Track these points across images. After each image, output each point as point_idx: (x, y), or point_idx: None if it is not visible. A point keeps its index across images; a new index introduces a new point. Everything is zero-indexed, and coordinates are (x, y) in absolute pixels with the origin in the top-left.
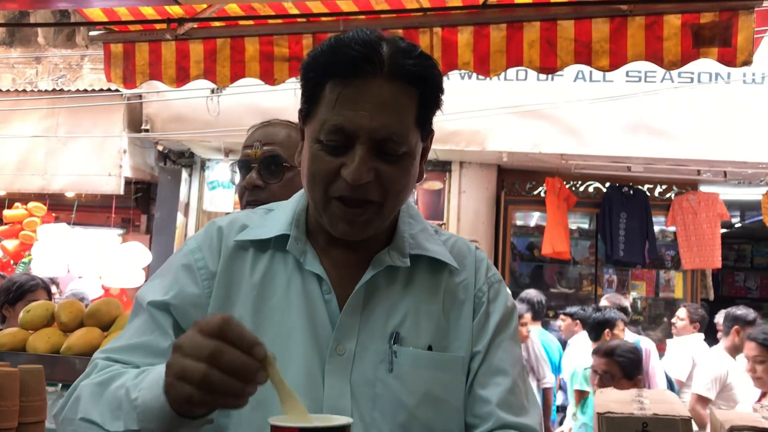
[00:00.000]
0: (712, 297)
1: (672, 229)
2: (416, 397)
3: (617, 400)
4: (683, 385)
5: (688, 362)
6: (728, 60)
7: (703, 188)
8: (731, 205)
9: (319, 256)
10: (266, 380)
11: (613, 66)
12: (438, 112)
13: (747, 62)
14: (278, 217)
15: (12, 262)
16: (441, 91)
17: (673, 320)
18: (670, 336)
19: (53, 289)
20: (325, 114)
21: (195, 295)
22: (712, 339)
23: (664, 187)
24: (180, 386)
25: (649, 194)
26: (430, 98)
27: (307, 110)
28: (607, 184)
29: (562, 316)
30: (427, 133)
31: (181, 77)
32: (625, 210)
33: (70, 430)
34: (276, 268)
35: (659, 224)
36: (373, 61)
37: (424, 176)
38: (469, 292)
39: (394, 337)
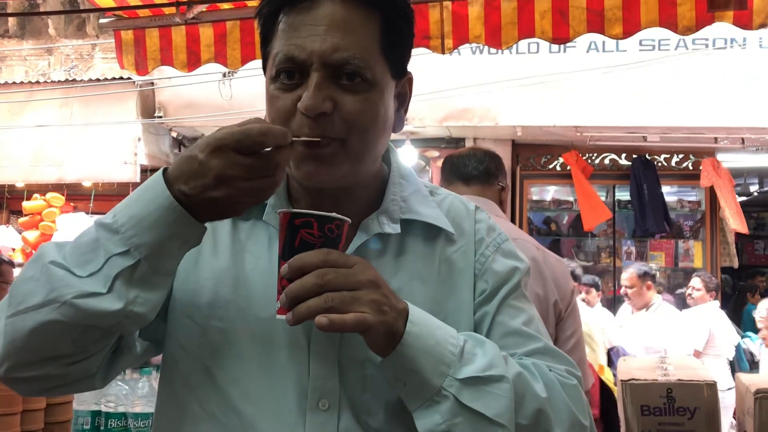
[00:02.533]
0: (736, 265)
1: (691, 198)
2: None
3: (641, 367)
4: (701, 355)
5: (705, 332)
6: (744, 23)
7: (720, 156)
8: (750, 172)
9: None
10: (290, 138)
11: (627, 33)
12: (441, 95)
13: (764, 24)
14: None
15: (33, 252)
16: (409, 16)
17: (688, 291)
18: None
19: None
20: (277, 47)
21: None
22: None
23: (681, 156)
24: (230, 183)
25: (665, 164)
26: (395, 23)
27: (265, 56)
28: (624, 155)
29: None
30: (400, 71)
31: (192, 61)
32: (645, 181)
33: (31, 286)
34: (257, 237)
35: (677, 194)
36: None
37: (404, 124)
38: (469, 259)
39: None
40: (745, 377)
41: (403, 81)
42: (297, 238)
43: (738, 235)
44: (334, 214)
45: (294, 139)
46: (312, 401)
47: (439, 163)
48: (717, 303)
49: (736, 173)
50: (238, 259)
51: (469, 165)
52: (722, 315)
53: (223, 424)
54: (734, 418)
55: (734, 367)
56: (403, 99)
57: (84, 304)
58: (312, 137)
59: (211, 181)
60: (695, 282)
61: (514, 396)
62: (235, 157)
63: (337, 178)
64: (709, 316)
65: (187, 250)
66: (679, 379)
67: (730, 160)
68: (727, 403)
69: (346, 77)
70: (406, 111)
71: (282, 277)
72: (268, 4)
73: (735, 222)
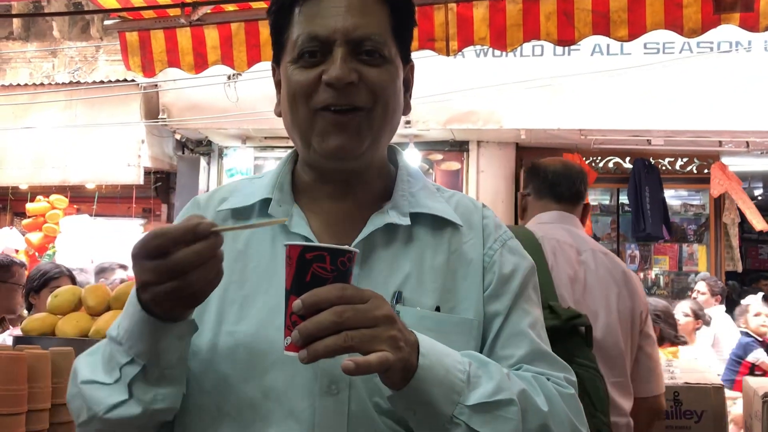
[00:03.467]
0: (740, 269)
1: (694, 201)
2: None
3: None
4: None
5: (709, 336)
6: (751, 25)
7: (724, 159)
8: (754, 176)
9: (308, 218)
10: (209, 229)
11: (632, 36)
12: (448, 93)
13: None
14: (261, 183)
15: (37, 254)
16: (412, 5)
17: (693, 294)
18: None
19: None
20: (297, 31)
21: None
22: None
23: (685, 159)
24: (147, 288)
25: (669, 167)
26: (401, 9)
27: (279, 46)
28: (628, 159)
29: None
30: (406, 56)
31: (200, 63)
32: (647, 184)
33: (78, 403)
34: (260, 235)
35: (682, 198)
36: None
37: (410, 109)
38: (477, 251)
39: (397, 297)
40: (752, 380)
41: (408, 67)
42: (308, 273)
43: (742, 239)
44: (346, 247)
45: (215, 229)
46: (322, 386)
47: (443, 165)
48: (722, 308)
49: (741, 177)
50: (240, 262)
51: (563, 185)
52: (728, 319)
53: (240, 422)
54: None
55: None
56: (408, 84)
57: (114, 416)
58: (338, 105)
59: (137, 288)
60: (700, 286)
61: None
62: (142, 262)
63: (361, 151)
64: (714, 320)
65: (188, 339)
66: (686, 383)
67: (734, 163)
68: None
69: (366, 53)
70: (410, 96)
71: (293, 313)
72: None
73: (759, 222)
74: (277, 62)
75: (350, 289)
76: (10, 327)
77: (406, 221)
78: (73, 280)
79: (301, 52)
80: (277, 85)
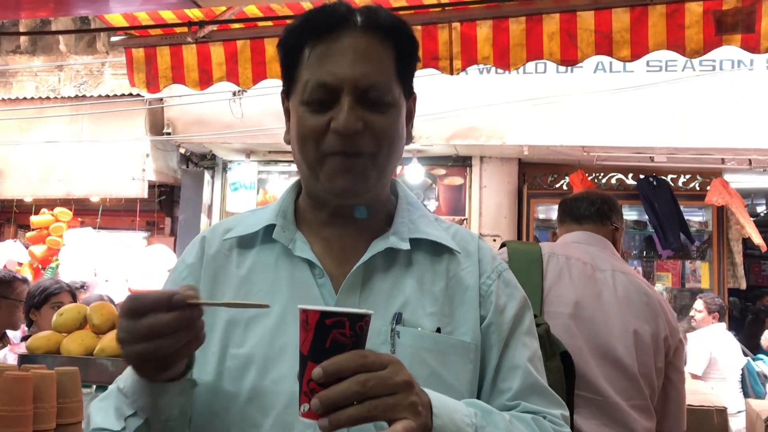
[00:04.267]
0: (744, 286)
1: (697, 218)
2: (420, 380)
3: None
4: (698, 379)
5: (705, 356)
6: (752, 46)
7: (727, 177)
8: (757, 193)
9: (310, 243)
10: (184, 301)
11: (635, 56)
12: (451, 111)
13: None
14: (263, 213)
15: (40, 267)
16: (416, 45)
17: (691, 313)
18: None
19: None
20: (306, 75)
21: None
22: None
23: (688, 176)
24: (126, 353)
25: (672, 184)
26: (406, 51)
27: (288, 83)
28: (630, 175)
29: None
30: (409, 92)
31: (205, 80)
32: (655, 200)
33: None
34: (263, 260)
35: (685, 214)
36: (346, 17)
37: (413, 139)
38: (474, 279)
39: (397, 318)
40: (755, 403)
41: (411, 99)
42: (328, 339)
43: (745, 255)
44: (364, 311)
45: (191, 302)
46: None
47: (446, 181)
48: (723, 325)
49: (743, 194)
50: (243, 288)
51: (581, 206)
52: (728, 337)
53: None
54: None
55: (747, 390)
56: (410, 115)
57: None
58: (345, 152)
59: (117, 344)
60: (697, 304)
61: None
62: (121, 321)
63: (367, 189)
64: (711, 339)
65: (189, 395)
66: (689, 405)
67: (737, 181)
68: (738, 426)
69: (372, 100)
70: (412, 126)
71: (311, 380)
72: (292, 37)
73: (757, 236)
74: (286, 93)
75: (371, 356)
76: (11, 343)
77: (406, 246)
78: (73, 296)
79: (311, 98)
80: (286, 112)
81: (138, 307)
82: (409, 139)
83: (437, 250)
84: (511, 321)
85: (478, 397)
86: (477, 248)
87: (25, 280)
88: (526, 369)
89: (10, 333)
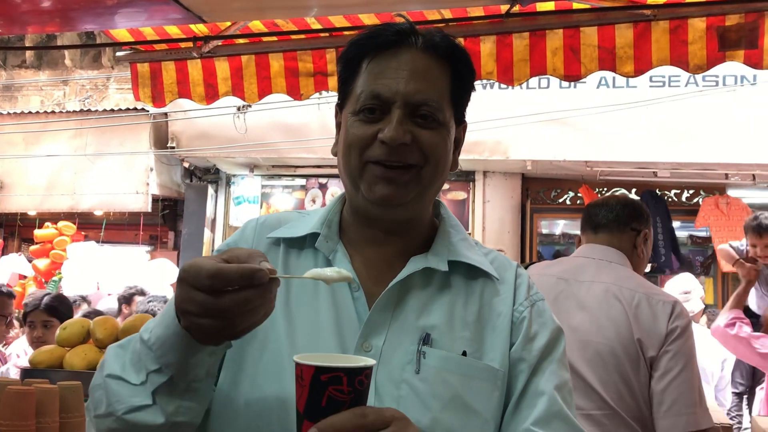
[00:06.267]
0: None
1: (701, 233)
2: (442, 402)
3: None
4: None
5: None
6: (755, 62)
7: (731, 192)
8: (761, 208)
9: (350, 255)
10: (267, 277)
11: (638, 72)
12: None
13: None
14: (311, 218)
15: (43, 280)
16: (473, 71)
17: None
18: None
19: (85, 306)
20: (362, 86)
21: None
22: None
23: (691, 191)
24: (188, 317)
25: (676, 199)
26: (462, 75)
27: (343, 96)
28: (634, 190)
29: None
30: (460, 118)
31: (210, 95)
32: (658, 215)
33: (99, 394)
34: (305, 265)
35: (687, 229)
36: (408, 35)
37: (458, 167)
38: (508, 306)
39: (425, 338)
40: (761, 420)
41: (461, 127)
42: (324, 397)
43: None
44: (362, 364)
45: (273, 276)
46: None
47: (449, 195)
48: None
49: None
50: (285, 286)
51: (599, 213)
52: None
53: None
54: None
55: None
56: (458, 144)
57: (133, 418)
58: (389, 162)
59: (177, 310)
60: (701, 320)
61: None
62: (189, 291)
63: (406, 200)
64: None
65: (219, 355)
66: None
67: (740, 196)
68: None
69: (422, 116)
70: (459, 154)
71: None
72: (353, 50)
73: (726, 264)
74: (340, 107)
75: (371, 415)
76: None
77: (444, 267)
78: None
79: (362, 108)
80: (338, 126)
81: (216, 284)
82: (455, 165)
83: (474, 274)
84: (541, 349)
85: (501, 423)
86: (514, 276)
87: (10, 294)
88: (552, 396)
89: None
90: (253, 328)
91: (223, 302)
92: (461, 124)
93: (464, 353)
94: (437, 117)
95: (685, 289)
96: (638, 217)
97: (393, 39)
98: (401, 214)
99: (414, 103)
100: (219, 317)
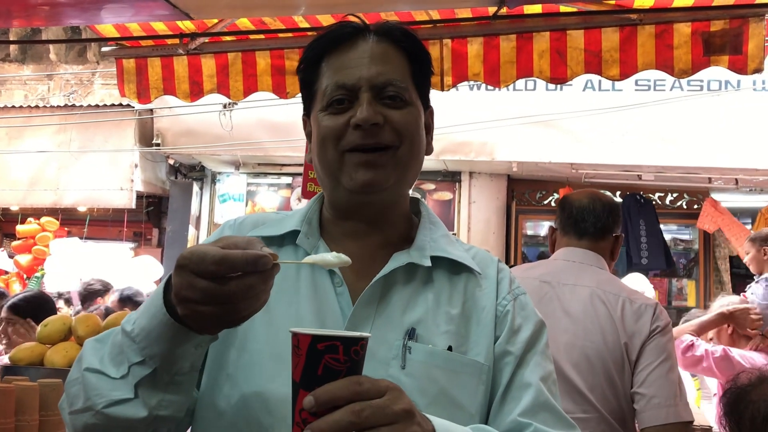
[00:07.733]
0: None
1: (684, 236)
2: (428, 397)
3: None
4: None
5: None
6: (739, 67)
7: (714, 196)
8: (743, 212)
9: (332, 251)
10: (270, 264)
11: (624, 75)
12: (448, 128)
13: (758, 69)
14: (290, 218)
15: (25, 276)
16: (427, 54)
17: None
18: None
19: (61, 304)
20: (326, 82)
21: None
22: None
23: (675, 195)
24: (188, 304)
25: (660, 202)
26: (419, 58)
27: (309, 98)
28: (618, 193)
29: None
30: (425, 102)
31: (195, 92)
32: (642, 218)
33: (76, 389)
34: (285, 257)
35: (671, 232)
36: (361, 29)
37: (432, 150)
38: (491, 300)
39: (410, 333)
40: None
41: (428, 112)
42: (320, 365)
43: (731, 274)
44: (358, 334)
45: (277, 261)
46: None
47: (435, 195)
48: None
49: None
50: None
51: (587, 221)
52: None
53: None
54: None
55: None
56: (429, 128)
57: (113, 412)
58: (366, 146)
59: (176, 298)
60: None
61: None
62: (191, 278)
63: (388, 184)
64: None
65: (204, 348)
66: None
67: (723, 200)
68: None
69: (390, 98)
70: (431, 138)
71: (303, 409)
72: (311, 52)
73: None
74: (307, 114)
75: (366, 383)
76: None
77: (427, 262)
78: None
79: (330, 101)
80: (308, 135)
81: (221, 270)
82: (429, 149)
83: (457, 269)
84: (525, 342)
85: (487, 417)
86: (496, 270)
87: (3, 295)
88: (538, 387)
89: None
90: (251, 316)
91: (227, 288)
92: (428, 108)
93: (449, 348)
94: (404, 96)
95: (636, 289)
96: (617, 222)
97: (348, 32)
98: (383, 199)
99: (379, 85)
100: (221, 304)
